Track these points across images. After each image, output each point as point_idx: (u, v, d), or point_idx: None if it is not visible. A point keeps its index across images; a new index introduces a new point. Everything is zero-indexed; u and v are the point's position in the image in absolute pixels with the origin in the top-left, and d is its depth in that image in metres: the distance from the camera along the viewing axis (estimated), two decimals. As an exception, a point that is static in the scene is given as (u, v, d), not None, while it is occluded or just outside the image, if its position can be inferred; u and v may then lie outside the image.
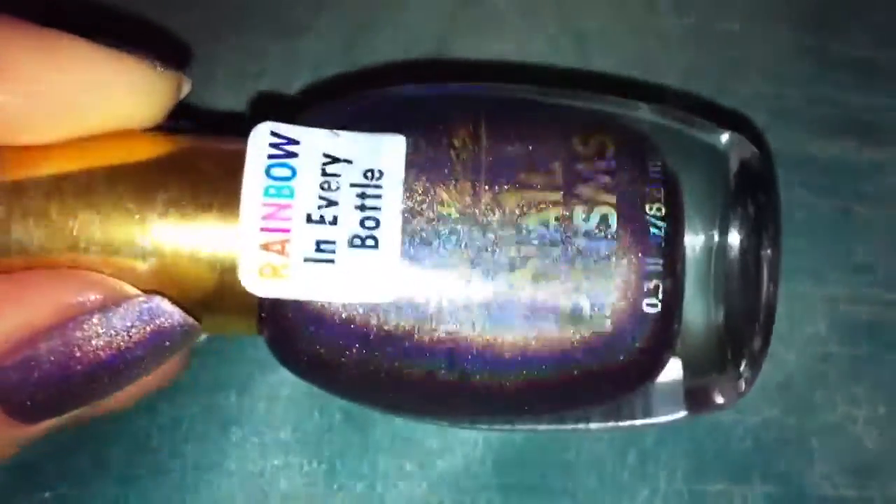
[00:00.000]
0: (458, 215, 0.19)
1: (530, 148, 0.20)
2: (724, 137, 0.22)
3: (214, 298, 0.19)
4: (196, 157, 0.20)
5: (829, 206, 0.29)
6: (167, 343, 0.19)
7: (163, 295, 0.19)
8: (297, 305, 0.19)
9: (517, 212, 0.19)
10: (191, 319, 0.19)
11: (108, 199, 0.19)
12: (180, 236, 0.19)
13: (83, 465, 0.27)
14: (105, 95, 0.19)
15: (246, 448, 0.26)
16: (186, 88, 0.20)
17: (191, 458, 0.26)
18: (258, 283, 0.19)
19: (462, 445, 0.27)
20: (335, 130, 0.20)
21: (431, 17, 0.30)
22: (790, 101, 0.30)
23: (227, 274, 0.19)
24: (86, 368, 0.18)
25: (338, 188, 0.19)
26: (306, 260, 0.19)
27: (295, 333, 0.20)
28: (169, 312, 0.19)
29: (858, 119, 0.30)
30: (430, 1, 0.30)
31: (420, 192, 0.19)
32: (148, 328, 0.19)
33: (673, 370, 0.21)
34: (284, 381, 0.27)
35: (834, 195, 0.29)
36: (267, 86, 0.29)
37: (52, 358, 0.18)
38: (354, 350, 0.19)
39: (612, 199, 0.20)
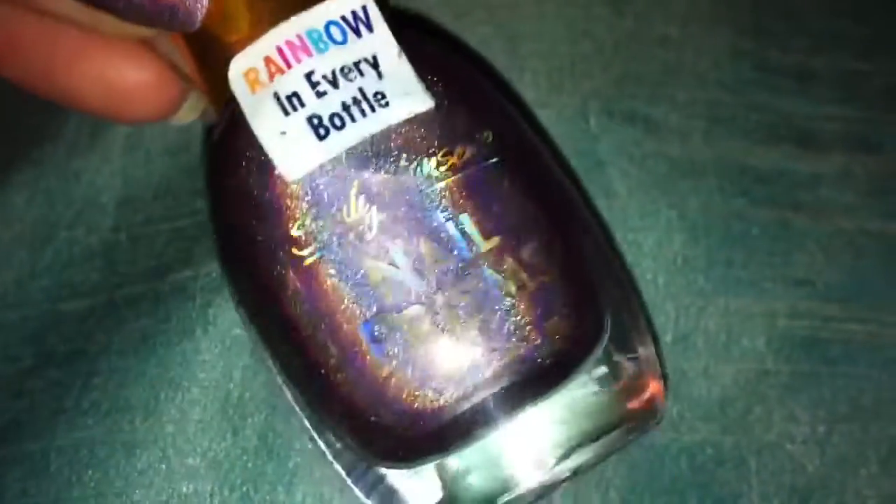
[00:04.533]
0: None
1: None
2: None
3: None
4: None
5: (767, 217, 0.28)
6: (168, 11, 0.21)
7: None
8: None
9: None
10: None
11: None
12: None
13: (-25, 493, 0.25)
14: None
15: (152, 475, 0.25)
16: None
17: (92, 485, 0.25)
18: (237, 74, 0.21)
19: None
20: (403, 53, 0.21)
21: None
22: (727, 107, 0.29)
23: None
24: None
25: (351, 82, 0.21)
26: (275, 94, 0.21)
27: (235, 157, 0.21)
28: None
29: (796, 127, 0.29)
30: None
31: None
32: None
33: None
34: (195, 402, 0.25)
35: (772, 205, 0.28)
36: None
37: None
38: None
39: None
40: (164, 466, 0.25)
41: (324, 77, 0.21)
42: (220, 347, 0.26)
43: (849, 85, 0.30)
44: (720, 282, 0.27)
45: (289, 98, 0.21)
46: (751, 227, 0.28)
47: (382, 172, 0.21)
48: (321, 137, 0.21)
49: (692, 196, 0.28)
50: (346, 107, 0.21)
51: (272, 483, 0.25)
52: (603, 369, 0.23)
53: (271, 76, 0.21)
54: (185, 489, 0.25)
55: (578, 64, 0.30)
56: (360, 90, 0.21)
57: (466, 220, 0.21)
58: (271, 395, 0.25)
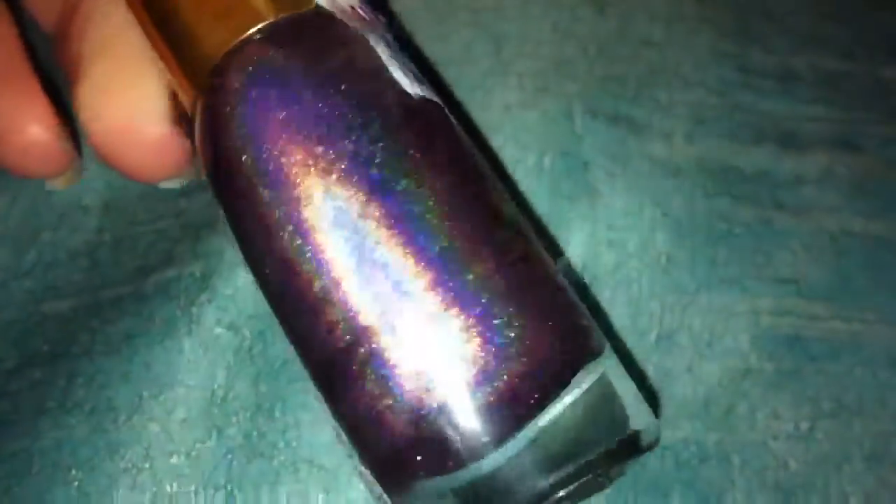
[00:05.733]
0: None
1: None
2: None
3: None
4: None
5: (750, 216, 0.28)
6: None
7: None
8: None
9: None
10: None
11: None
12: None
13: (-43, 494, 0.24)
14: None
15: (136, 474, 0.24)
16: None
17: (76, 484, 0.24)
18: None
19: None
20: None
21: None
22: (710, 108, 0.30)
23: None
24: None
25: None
26: None
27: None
28: None
29: (779, 127, 0.30)
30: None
31: None
32: None
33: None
34: (178, 401, 0.25)
35: (755, 205, 0.28)
36: None
37: None
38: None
39: None
40: (147, 466, 0.25)
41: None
42: (203, 347, 0.26)
43: (831, 85, 0.30)
44: (704, 280, 0.27)
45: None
46: (734, 226, 0.28)
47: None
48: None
49: (676, 196, 0.28)
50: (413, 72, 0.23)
51: (256, 482, 0.25)
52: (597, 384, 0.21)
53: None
54: (169, 488, 0.24)
55: (563, 65, 0.30)
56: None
57: None
58: (255, 394, 0.25)
